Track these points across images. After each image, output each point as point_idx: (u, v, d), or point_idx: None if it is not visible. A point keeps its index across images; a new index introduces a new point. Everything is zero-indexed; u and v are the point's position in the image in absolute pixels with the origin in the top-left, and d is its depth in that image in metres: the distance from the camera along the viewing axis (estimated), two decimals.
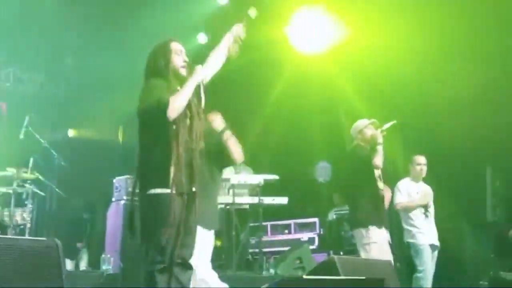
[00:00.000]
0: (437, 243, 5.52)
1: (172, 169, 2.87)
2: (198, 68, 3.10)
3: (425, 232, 5.44)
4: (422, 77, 6.39)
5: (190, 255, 3.05)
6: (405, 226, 5.55)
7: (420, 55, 6.22)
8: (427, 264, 5.37)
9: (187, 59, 3.15)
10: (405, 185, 5.62)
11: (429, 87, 6.52)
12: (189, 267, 3.02)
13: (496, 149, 6.58)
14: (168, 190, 2.84)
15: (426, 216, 5.49)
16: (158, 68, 3.10)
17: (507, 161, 6.59)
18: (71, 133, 8.23)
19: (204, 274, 3.96)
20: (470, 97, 6.35)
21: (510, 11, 6.09)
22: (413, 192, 5.59)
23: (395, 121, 4.78)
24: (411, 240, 5.43)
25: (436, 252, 5.53)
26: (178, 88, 3.06)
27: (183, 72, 3.11)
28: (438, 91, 6.49)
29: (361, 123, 4.91)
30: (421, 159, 5.65)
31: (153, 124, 2.95)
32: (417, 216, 5.50)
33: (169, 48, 3.13)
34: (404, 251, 5.75)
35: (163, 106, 2.84)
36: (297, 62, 6.46)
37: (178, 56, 3.13)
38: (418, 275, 5.34)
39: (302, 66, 6.50)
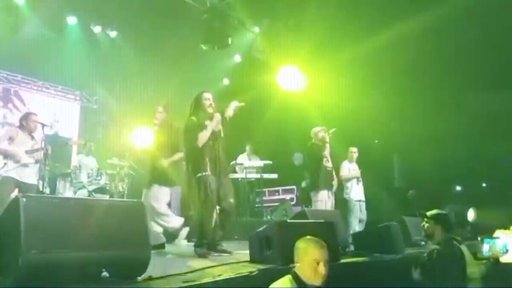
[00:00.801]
0: (363, 199, 7.11)
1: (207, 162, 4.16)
2: (216, 115, 4.34)
3: (355, 193, 7.05)
4: (356, 105, 8.66)
5: (229, 206, 4.27)
6: (344, 189, 7.05)
7: (354, 93, 8.72)
8: (355, 212, 6.94)
9: (212, 103, 4.37)
10: (345, 164, 7.16)
11: (361, 111, 8.73)
12: (228, 214, 4.31)
13: (400, 144, 9.19)
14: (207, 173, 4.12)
15: (357, 183, 7.16)
16: (195, 109, 4.38)
17: (406, 151, 9.28)
18: None
19: (164, 212, 4.91)
20: (384, 115, 8.88)
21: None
22: (350, 169, 7.17)
23: (335, 128, 6.28)
24: (346, 197, 7.04)
25: (363, 204, 7.10)
26: (207, 122, 4.27)
27: (210, 110, 4.35)
28: (367, 113, 8.79)
29: (316, 129, 6.27)
30: (354, 149, 7.30)
31: (191, 144, 4.27)
32: (351, 183, 7.11)
33: (201, 96, 4.39)
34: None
35: (196, 140, 4.18)
36: (282, 96, 8.51)
37: (207, 101, 4.37)
38: (350, 219, 6.85)
39: (285, 99, 8.54)
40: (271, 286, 2.44)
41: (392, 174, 9.55)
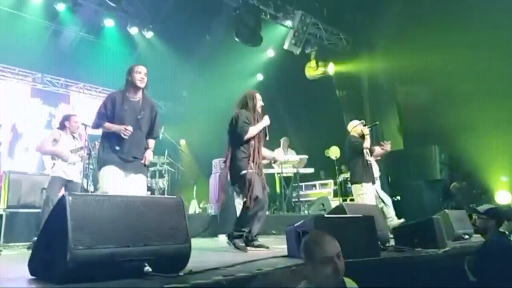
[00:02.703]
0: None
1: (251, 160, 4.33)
2: (266, 117, 4.52)
3: None
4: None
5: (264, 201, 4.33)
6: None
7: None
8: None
9: (262, 104, 4.59)
10: None
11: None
12: (264, 207, 4.36)
13: (440, 134, 8.92)
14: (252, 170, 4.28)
15: None
16: (248, 105, 4.53)
17: (446, 142, 9.03)
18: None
19: None
20: (424, 103, 8.89)
21: None
22: None
23: (377, 122, 6.42)
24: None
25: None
26: (254, 118, 4.43)
27: (260, 110, 4.54)
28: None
29: (354, 122, 6.36)
30: None
31: (239, 137, 4.37)
32: None
33: (256, 96, 4.60)
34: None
35: (245, 133, 4.32)
36: (317, 90, 8.76)
37: (259, 101, 4.58)
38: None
39: (320, 92, 8.79)
40: None
41: (434, 165, 9.14)
